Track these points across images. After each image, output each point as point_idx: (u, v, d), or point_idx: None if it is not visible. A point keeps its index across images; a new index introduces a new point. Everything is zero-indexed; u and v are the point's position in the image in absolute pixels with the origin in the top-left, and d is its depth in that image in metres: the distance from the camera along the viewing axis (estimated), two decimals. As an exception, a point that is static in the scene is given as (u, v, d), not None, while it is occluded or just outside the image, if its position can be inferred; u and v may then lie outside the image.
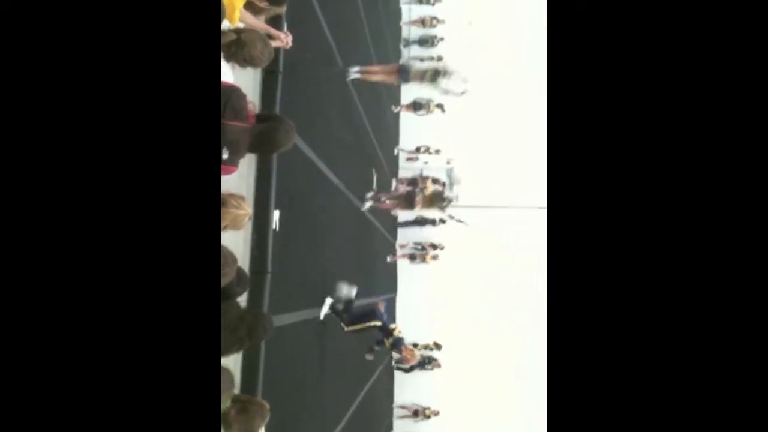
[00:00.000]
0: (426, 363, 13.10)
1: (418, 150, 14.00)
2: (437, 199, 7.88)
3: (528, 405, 12.10)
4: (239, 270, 2.48)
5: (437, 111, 13.74)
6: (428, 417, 13.41)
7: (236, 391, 2.47)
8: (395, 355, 6.76)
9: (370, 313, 6.36)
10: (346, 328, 6.11)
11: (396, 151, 13.47)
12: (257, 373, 3.82)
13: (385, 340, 6.58)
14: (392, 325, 6.50)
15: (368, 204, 7.06)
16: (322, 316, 5.72)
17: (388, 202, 7.15)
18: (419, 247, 14.01)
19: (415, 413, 13.44)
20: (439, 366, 13.21)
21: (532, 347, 12.24)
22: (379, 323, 6.29)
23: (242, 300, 3.47)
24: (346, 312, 6.06)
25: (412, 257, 13.71)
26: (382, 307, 6.72)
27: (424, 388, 13.50)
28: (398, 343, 6.60)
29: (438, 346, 13.46)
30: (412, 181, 11.36)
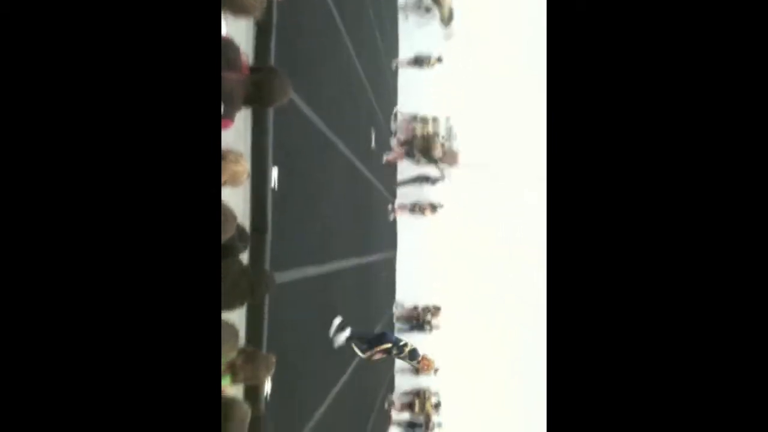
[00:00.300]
0: (425, 325, 13.44)
1: (414, 119, 13.83)
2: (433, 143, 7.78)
3: (528, 361, 12.44)
4: (239, 227, 2.46)
5: (437, 64, 13.47)
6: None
7: (241, 345, 2.51)
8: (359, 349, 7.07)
9: (381, 337, 6.91)
10: (363, 356, 6.60)
11: (394, 111, 13.28)
12: (261, 330, 3.87)
13: (404, 349, 6.99)
14: (402, 342, 6.90)
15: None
16: (334, 339, 6.11)
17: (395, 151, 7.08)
18: (418, 207, 14.05)
19: (417, 370, 13.82)
20: (438, 328, 13.55)
21: (533, 306, 12.45)
22: (390, 345, 6.75)
23: (243, 258, 3.47)
24: (360, 339, 6.59)
25: (411, 209, 13.80)
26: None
27: (424, 347, 13.84)
28: (415, 354, 7.01)
29: (437, 309, 13.74)
30: (410, 138, 11.26)
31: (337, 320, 6.26)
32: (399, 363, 13.69)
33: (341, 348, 6.29)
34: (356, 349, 6.53)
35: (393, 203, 13.03)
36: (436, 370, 13.64)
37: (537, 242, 9.25)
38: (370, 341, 6.71)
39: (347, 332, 6.34)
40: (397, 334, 7.62)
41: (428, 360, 7.39)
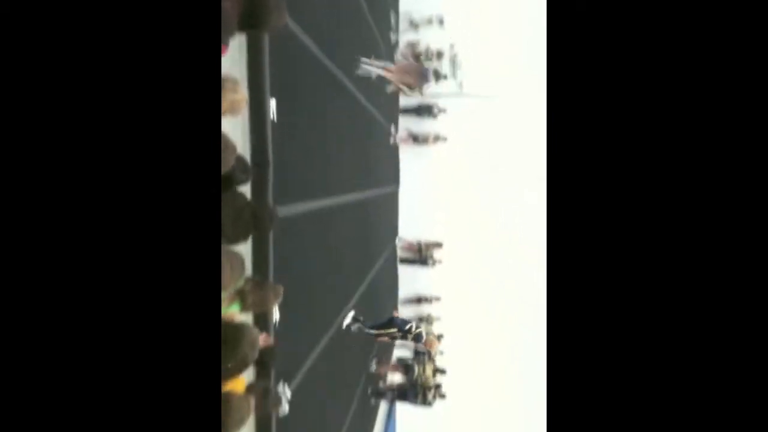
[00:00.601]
0: (428, 260, 13.74)
1: (414, 46, 13.25)
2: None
3: (528, 291, 12.77)
4: (240, 157, 2.42)
5: None
6: (430, 302, 14.31)
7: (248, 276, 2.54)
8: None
9: (389, 322, 7.49)
10: (372, 332, 7.28)
11: (393, 39, 12.75)
12: (267, 263, 3.93)
13: (409, 334, 7.66)
14: (407, 326, 7.50)
15: (364, 68, 6.13)
16: (344, 326, 6.58)
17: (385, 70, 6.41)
18: (421, 137, 13.89)
19: (419, 300, 14.30)
20: (440, 262, 13.86)
21: (533, 239, 12.59)
22: (396, 329, 7.38)
23: (246, 191, 3.46)
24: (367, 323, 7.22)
25: (415, 138, 13.63)
26: (396, 313, 7.97)
27: (426, 280, 14.26)
28: (419, 337, 7.63)
29: (439, 245, 13.97)
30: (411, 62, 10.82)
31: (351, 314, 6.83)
32: (401, 295, 14.15)
33: (349, 327, 6.82)
34: (364, 329, 7.14)
35: (395, 132, 12.83)
36: (438, 299, 14.14)
37: (540, 180, 9.19)
38: (380, 325, 7.36)
39: (354, 315, 6.92)
40: (403, 315, 8.47)
41: (432, 339, 8.13)
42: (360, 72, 5.65)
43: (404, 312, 14.16)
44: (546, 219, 1.49)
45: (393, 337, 7.91)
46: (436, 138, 13.67)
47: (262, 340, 2.22)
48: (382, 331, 7.40)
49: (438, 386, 10.78)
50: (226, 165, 2.19)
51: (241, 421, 2.01)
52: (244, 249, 3.57)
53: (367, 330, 7.26)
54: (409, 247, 14.08)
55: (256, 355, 2.03)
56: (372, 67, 5.82)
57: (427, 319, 13.94)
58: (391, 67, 6.09)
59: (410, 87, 6.31)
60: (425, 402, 10.27)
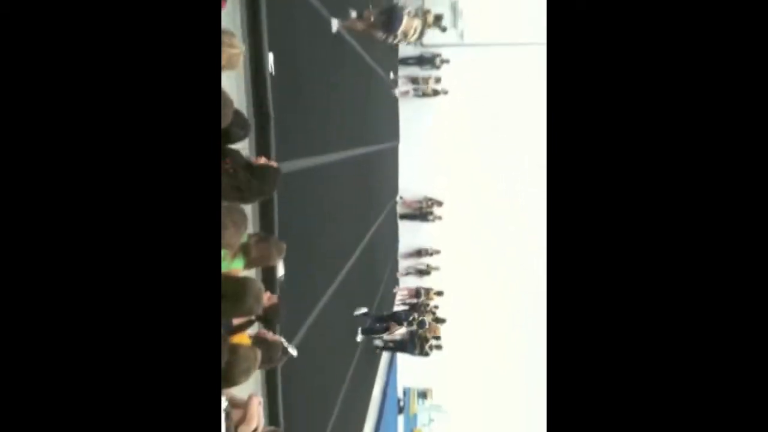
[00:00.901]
0: (428, 216, 13.83)
1: None
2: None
3: (527, 250, 12.91)
4: (238, 112, 2.38)
5: None
6: (431, 255, 14.49)
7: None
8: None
9: (393, 315, 8.60)
10: (385, 336, 8.43)
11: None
12: (272, 220, 3.96)
13: (413, 324, 8.85)
14: (410, 318, 8.70)
15: (336, 24, 5.69)
16: (359, 334, 7.52)
17: (359, 25, 6.25)
18: (419, 92, 13.65)
19: (419, 253, 14.48)
20: (440, 218, 13.96)
21: (533, 195, 12.60)
22: (403, 326, 8.44)
23: (245, 148, 3.43)
24: (377, 321, 8.13)
25: (414, 81, 13.38)
26: (396, 289, 8.90)
27: (426, 236, 14.40)
28: (423, 324, 8.89)
29: (439, 203, 14.02)
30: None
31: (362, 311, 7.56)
32: (401, 250, 14.32)
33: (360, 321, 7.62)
34: (376, 341, 8.25)
35: (395, 76, 12.59)
36: (438, 251, 14.42)
37: (541, 134, 9.09)
38: (385, 318, 8.41)
39: (364, 311, 7.73)
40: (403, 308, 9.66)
41: (435, 325, 9.40)
42: (337, 28, 5.59)
43: (404, 264, 14.40)
44: (546, 174, 1.49)
45: (399, 328, 8.61)
46: (436, 88, 13.39)
47: (267, 298, 2.25)
48: (390, 327, 8.29)
49: (437, 337, 11.11)
50: (225, 120, 2.16)
51: (248, 371, 2.08)
52: (248, 207, 3.58)
53: (375, 334, 8.13)
54: (410, 203, 14.14)
55: (260, 309, 2.07)
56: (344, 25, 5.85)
57: (427, 271, 14.18)
58: (359, 23, 6.09)
59: (379, 38, 6.33)
60: (422, 353, 10.63)
